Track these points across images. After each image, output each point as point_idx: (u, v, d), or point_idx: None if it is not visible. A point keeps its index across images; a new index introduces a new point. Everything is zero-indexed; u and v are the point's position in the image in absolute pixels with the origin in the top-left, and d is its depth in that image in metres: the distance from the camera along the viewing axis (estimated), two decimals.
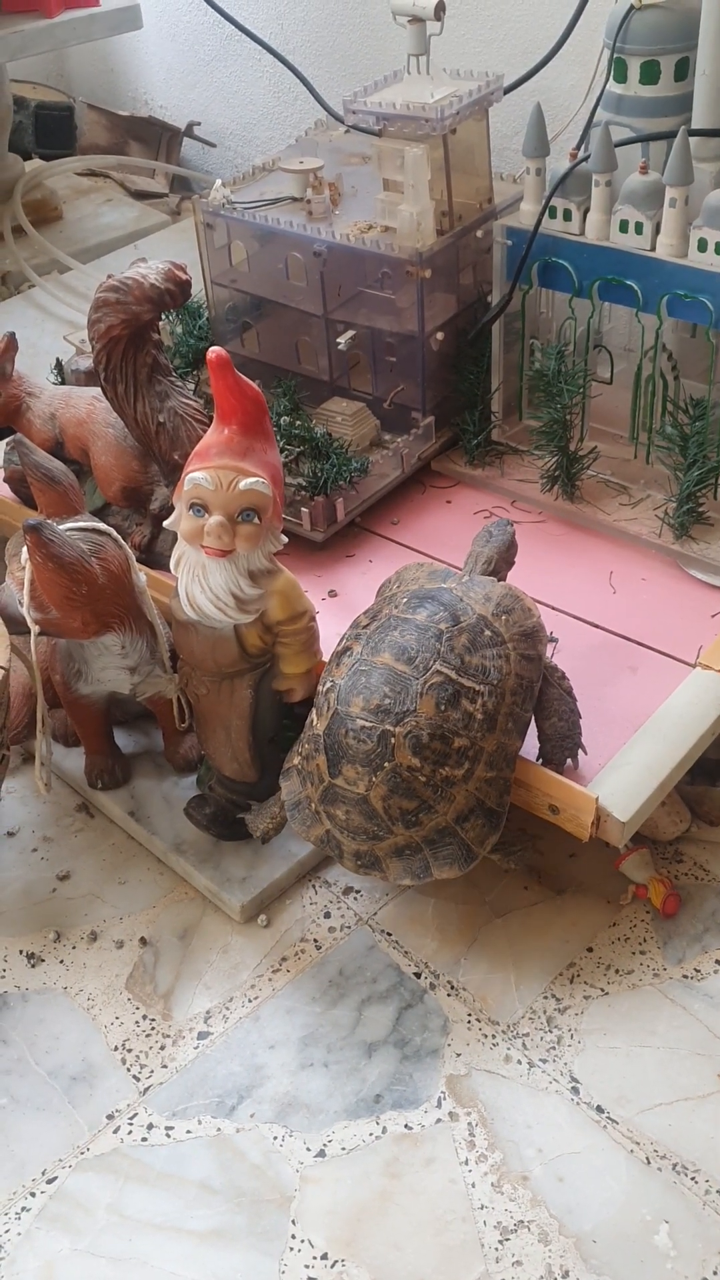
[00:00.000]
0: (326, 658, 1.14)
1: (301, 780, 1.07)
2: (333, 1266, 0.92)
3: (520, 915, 1.14)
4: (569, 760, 1.09)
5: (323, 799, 1.04)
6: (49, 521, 1.06)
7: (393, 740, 1.00)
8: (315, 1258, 0.92)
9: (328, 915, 1.16)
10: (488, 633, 1.05)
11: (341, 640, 1.10)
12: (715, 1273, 0.90)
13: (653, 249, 1.27)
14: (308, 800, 1.06)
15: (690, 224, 1.23)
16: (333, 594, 1.34)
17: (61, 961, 1.13)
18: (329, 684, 1.07)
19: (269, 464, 1.06)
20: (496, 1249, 0.92)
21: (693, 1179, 0.95)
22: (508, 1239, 0.92)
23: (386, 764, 1.00)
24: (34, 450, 1.12)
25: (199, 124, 2.42)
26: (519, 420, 1.48)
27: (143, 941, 1.14)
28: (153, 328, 1.23)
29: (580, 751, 1.09)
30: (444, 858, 1.02)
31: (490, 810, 1.03)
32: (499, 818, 1.04)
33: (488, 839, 1.03)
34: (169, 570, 1.11)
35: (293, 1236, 0.93)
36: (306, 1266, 0.92)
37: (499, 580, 1.12)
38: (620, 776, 1.08)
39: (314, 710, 1.08)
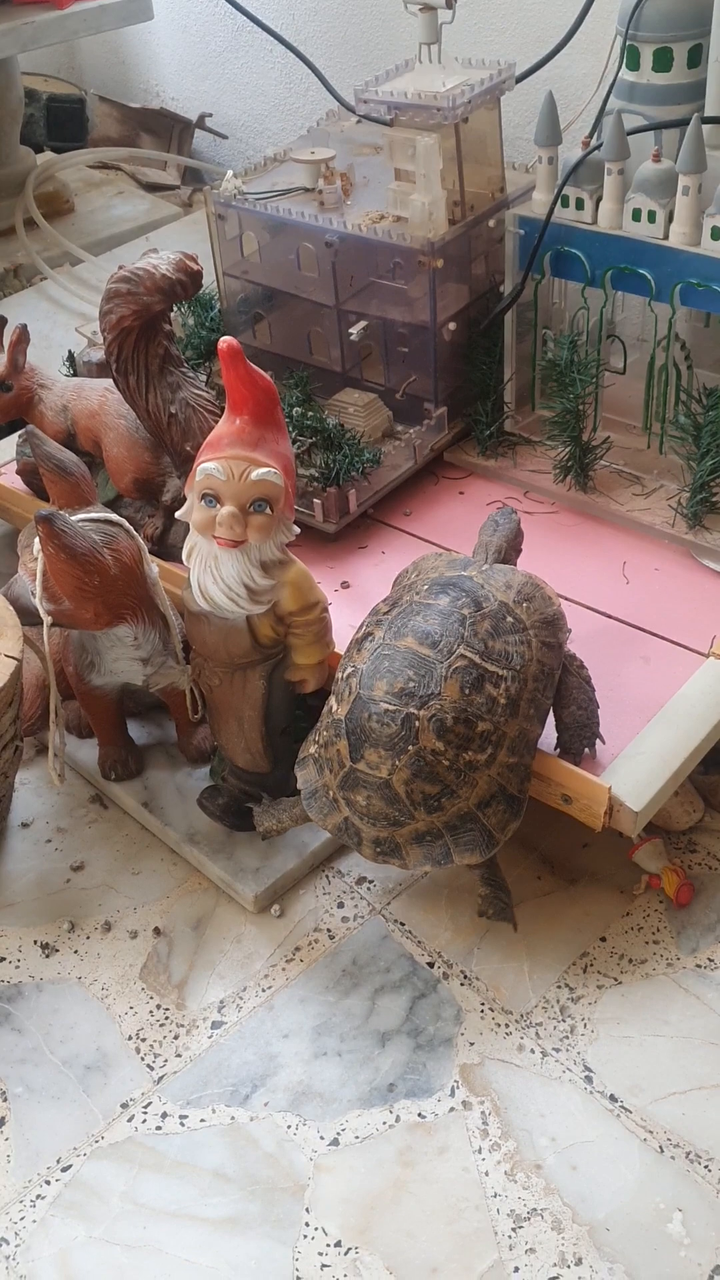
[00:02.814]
0: (341, 648, 1.14)
1: (319, 768, 1.07)
2: (346, 1254, 0.92)
3: (533, 905, 1.14)
4: (587, 749, 1.09)
5: (343, 785, 1.04)
6: (61, 512, 1.06)
7: (417, 723, 1.00)
8: (329, 1245, 0.93)
9: (341, 905, 1.16)
10: (510, 619, 1.05)
11: (361, 627, 1.10)
12: None
13: (666, 237, 1.26)
14: (325, 788, 1.06)
15: (704, 212, 1.23)
16: (345, 585, 1.34)
17: (76, 952, 1.14)
18: (350, 669, 1.06)
19: (281, 454, 1.06)
20: (510, 1237, 0.92)
21: (706, 1168, 0.95)
22: (521, 1227, 0.93)
23: (410, 747, 1.00)
24: (46, 441, 1.12)
25: (210, 115, 2.42)
26: (532, 411, 1.47)
27: (156, 932, 1.15)
28: (164, 319, 1.23)
29: (599, 741, 1.09)
30: (465, 843, 1.02)
31: (511, 796, 1.03)
32: (520, 804, 1.04)
33: (509, 825, 1.03)
34: (181, 562, 1.11)
35: (306, 1224, 0.94)
36: (320, 1254, 0.92)
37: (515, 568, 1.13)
38: (633, 766, 1.08)
39: (332, 697, 1.08)
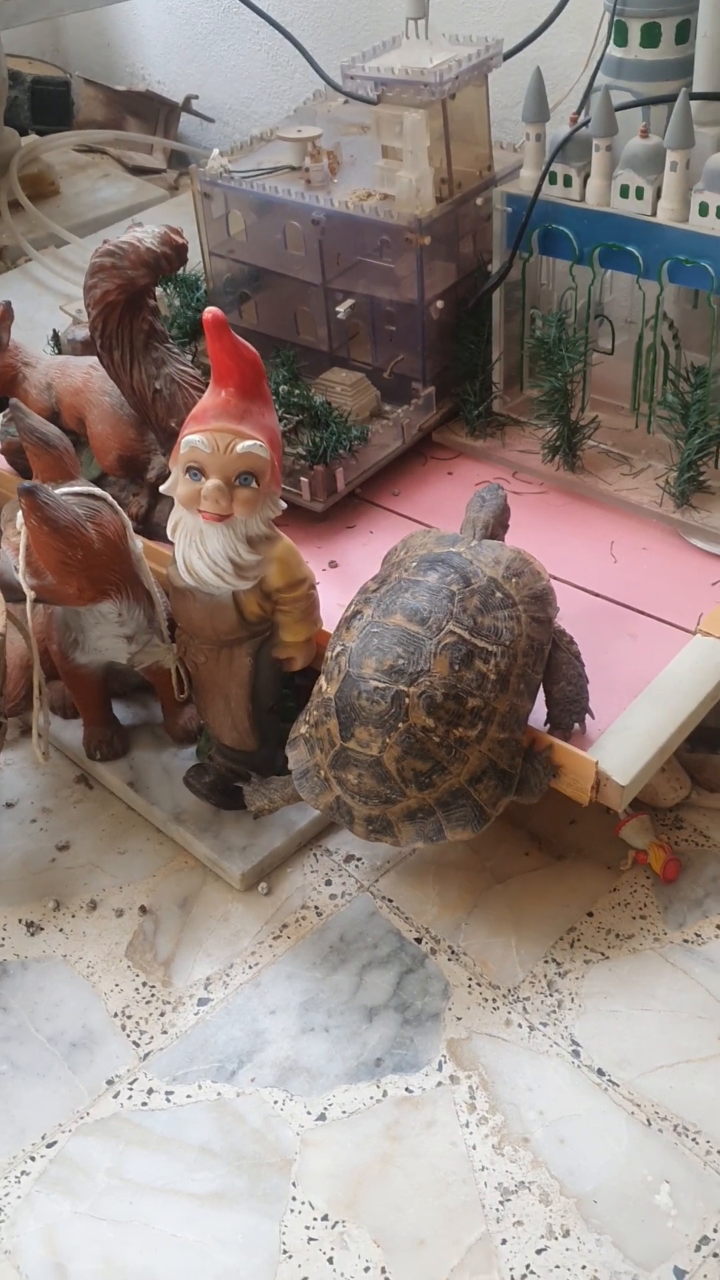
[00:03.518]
0: (329, 627, 1.13)
1: (309, 748, 1.07)
2: (333, 1228, 0.92)
3: (520, 881, 1.14)
4: (576, 725, 1.08)
5: (334, 764, 1.03)
6: (44, 485, 1.05)
7: (406, 700, 1.00)
8: (316, 1219, 0.92)
9: (328, 883, 1.15)
10: (499, 594, 1.05)
11: (350, 605, 1.10)
12: (716, 1231, 0.90)
13: (653, 214, 1.26)
14: (316, 768, 1.06)
15: (691, 188, 1.22)
16: (333, 565, 1.33)
17: (61, 930, 1.13)
18: (339, 648, 1.06)
19: (267, 427, 1.05)
20: (497, 1210, 0.92)
21: (694, 1140, 0.95)
22: (509, 1200, 0.92)
23: (400, 724, 1.00)
24: (29, 414, 1.12)
25: (197, 98, 2.41)
26: (520, 391, 1.47)
27: (143, 910, 1.14)
28: (149, 293, 1.23)
29: (588, 716, 1.09)
30: (457, 819, 1.02)
31: (503, 771, 1.03)
32: (511, 779, 1.04)
33: (500, 800, 1.03)
34: (167, 540, 1.10)
35: (293, 1199, 0.93)
36: (307, 1228, 0.92)
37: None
38: (620, 741, 1.08)
39: (323, 676, 1.07)
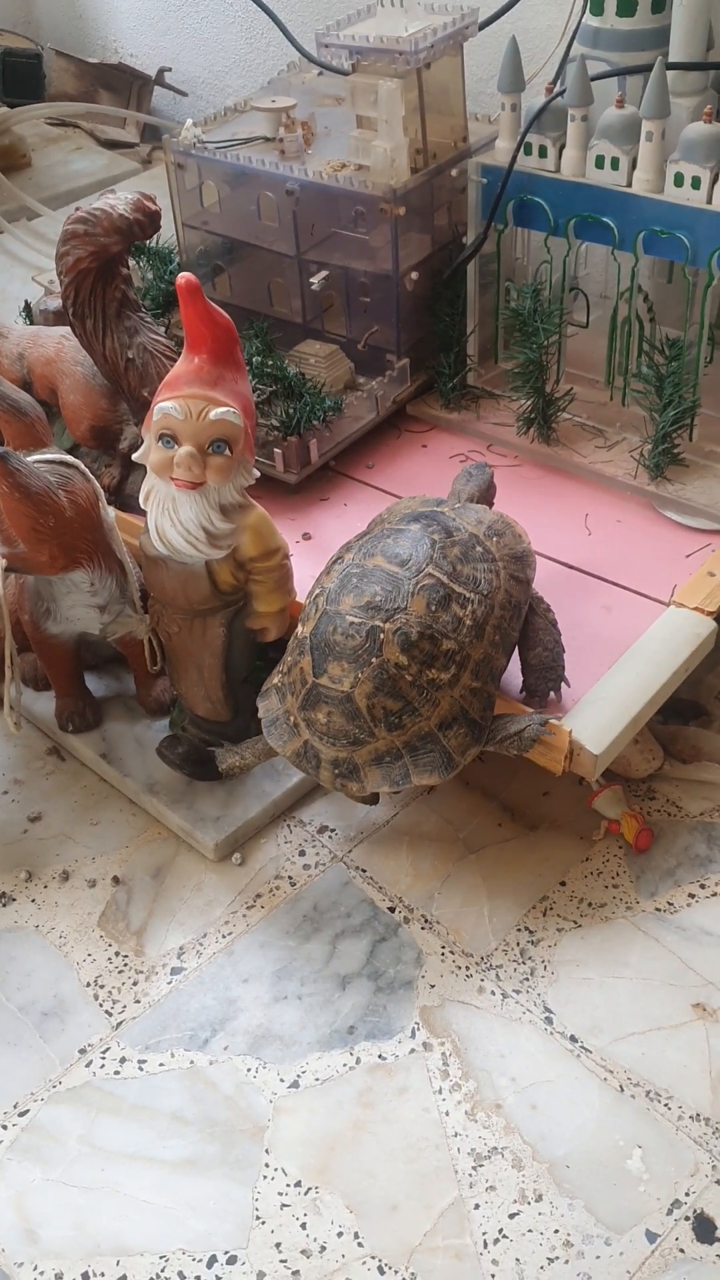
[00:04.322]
0: (303, 598, 1.13)
1: (280, 696, 1.07)
2: (306, 1194, 0.92)
3: (494, 851, 1.14)
4: (552, 692, 1.09)
5: (304, 704, 1.03)
6: (16, 452, 1.04)
7: (381, 635, 1.00)
8: (289, 1185, 0.92)
9: (302, 853, 1.15)
10: (479, 549, 1.06)
11: (332, 557, 1.10)
12: (687, 1194, 0.90)
13: (629, 185, 1.26)
14: (286, 714, 1.05)
15: (667, 158, 1.22)
16: (307, 537, 1.33)
17: (33, 900, 1.13)
18: (317, 591, 1.07)
19: (240, 394, 1.05)
20: (470, 1175, 0.92)
21: (665, 1106, 0.95)
22: (481, 1165, 0.93)
23: (374, 659, 1.00)
24: (0, 381, 1.10)
25: (170, 71, 2.39)
26: (495, 364, 1.46)
27: (115, 880, 1.14)
28: (122, 261, 1.22)
29: (564, 684, 1.09)
30: (424, 764, 1.02)
31: (473, 721, 1.03)
32: (481, 730, 1.04)
33: (469, 749, 1.03)
34: (139, 511, 1.09)
35: (266, 1165, 0.93)
36: (280, 1194, 0.92)
37: None
38: (594, 711, 1.08)
39: (300, 622, 1.08)
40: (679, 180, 1.22)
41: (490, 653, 1.04)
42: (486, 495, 1.20)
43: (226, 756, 1.14)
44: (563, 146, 1.29)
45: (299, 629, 1.07)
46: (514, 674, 1.12)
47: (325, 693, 1.02)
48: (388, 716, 1.01)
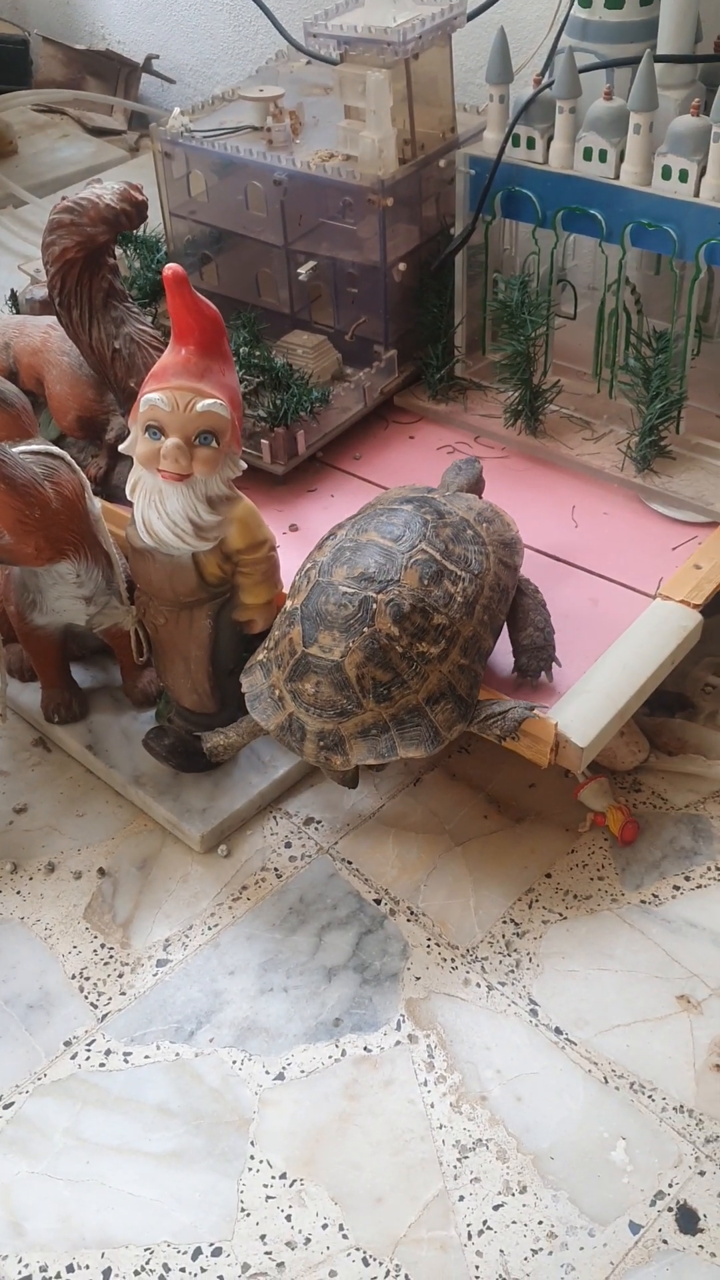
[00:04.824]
0: (289, 589, 1.13)
1: (265, 671, 1.07)
2: (291, 1185, 0.92)
3: (479, 843, 1.14)
4: (544, 674, 1.10)
5: (291, 675, 1.03)
6: (1, 444, 1.04)
7: (374, 606, 1.01)
8: (274, 1177, 0.92)
9: (288, 845, 1.15)
10: (470, 532, 1.08)
11: (323, 537, 1.11)
12: (671, 1185, 0.91)
13: (617, 177, 1.25)
14: (271, 688, 1.06)
15: (655, 151, 1.22)
16: (294, 528, 1.33)
17: (18, 892, 1.12)
18: (309, 564, 1.08)
19: (227, 386, 1.04)
20: (455, 1166, 0.92)
21: (649, 1097, 0.96)
22: (466, 1157, 0.93)
23: (365, 629, 1.01)
24: None
25: (158, 58, 2.37)
26: (482, 355, 1.46)
27: (101, 872, 1.13)
28: (108, 251, 1.21)
29: (555, 665, 1.11)
30: (411, 738, 1.02)
31: (460, 698, 1.04)
32: (469, 707, 1.05)
33: (455, 725, 1.04)
34: (126, 502, 1.09)
35: (251, 1157, 0.94)
36: (265, 1186, 0.92)
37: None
38: (579, 704, 1.08)
39: (288, 597, 1.08)
40: (666, 173, 1.22)
41: (479, 631, 1.05)
42: (476, 489, 1.22)
43: (211, 736, 1.14)
44: (551, 138, 1.29)
45: (287, 603, 1.08)
46: (501, 665, 1.13)
47: (315, 662, 1.02)
48: (376, 688, 1.01)
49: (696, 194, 1.21)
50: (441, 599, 1.02)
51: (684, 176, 1.21)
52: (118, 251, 1.25)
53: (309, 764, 1.16)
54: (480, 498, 1.20)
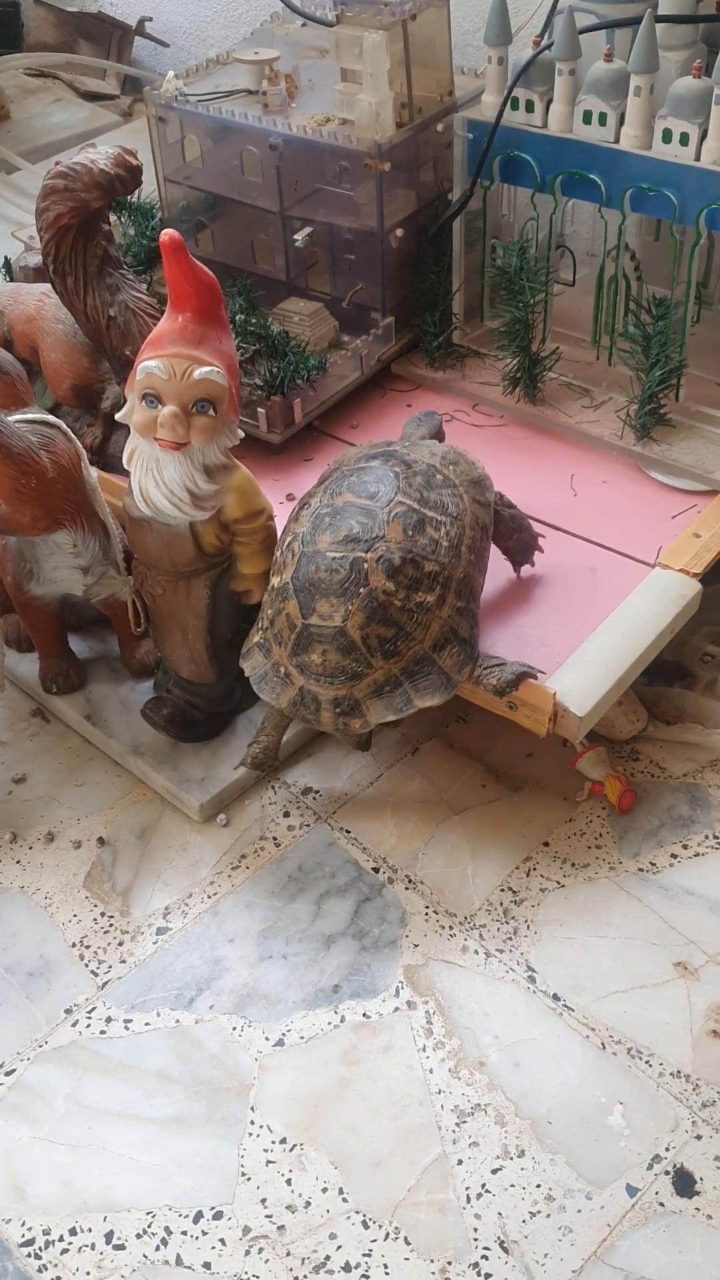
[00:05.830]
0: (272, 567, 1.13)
1: (265, 651, 1.07)
2: (291, 1150, 0.93)
3: (477, 812, 1.14)
4: (532, 562, 1.19)
5: (295, 650, 1.03)
6: None
7: (365, 565, 1.01)
8: (274, 1142, 0.93)
9: (287, 814, 1.15)
10: (439, 477, 1.09)
11: (294, 508, 1.11)
12: (668, 1149, 0.92)
13: (616, 141, 1.24)
14: (275, 666, 1.06)
15: (655, 114, 1.21)
16: (291, 498, 1.32)
17: (18, 862, 1.13)
18: (289, 538, 1.08)
19: (224, 353, 1.04)
20: (454, 1131, 0.93)
21: (646, 1062, 0.97)
22: (465, 1121, 0.94)
23: (361, 590, 1.01)
24: None
25: (150, 20, 2.34)
26: (480, 322, 1.45)
27: (101, 841, 1.14)
28: (103, 217, 1.20)
29: (539, 550, 1.19)
30: (425, 687, 1.03)
31: (463, 639, 1.05)
32: (472, 648, 1.06)
33: (464, 667, 1.04)
34: (122, 472, 1.08)
35: (251, 1123, 0.94)
36: (265, 1150, 0.93)
37: None
38: (578, 673, 1.08)
39: (273, 575, 1.08)
40: (667, 136, 1.20)
41: (469, 571, 1.06)
42: (438, 439, 1.23)
43: (247, 751, 1.14)
44: (550, 101, 1.27)
45: (274, 580, 1.07)
46: (495, 641, 1.13)
47: (317, 632, 1.02)
48: (383, 644, 1.02)
49: (697, 158, 1.20)
50: (428, 547, 1.03)
51: (685, 140, 1.19)
52: (111, 218, 1.24)
53: (316, 732, 1.16)
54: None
